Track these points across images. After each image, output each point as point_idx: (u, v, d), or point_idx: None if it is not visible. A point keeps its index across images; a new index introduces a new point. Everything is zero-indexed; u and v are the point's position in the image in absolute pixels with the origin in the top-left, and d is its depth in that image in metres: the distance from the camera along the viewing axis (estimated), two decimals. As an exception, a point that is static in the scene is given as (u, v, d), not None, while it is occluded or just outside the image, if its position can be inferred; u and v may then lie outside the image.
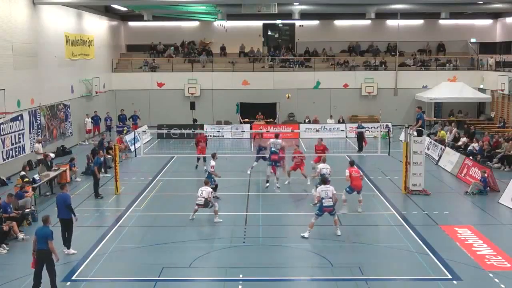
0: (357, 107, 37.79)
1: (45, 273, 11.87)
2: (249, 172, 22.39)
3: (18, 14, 24.36)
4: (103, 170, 22.65)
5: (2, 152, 22.48)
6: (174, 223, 16.69)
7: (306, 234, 15.15)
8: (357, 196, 17.60)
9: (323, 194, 15.08)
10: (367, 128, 30.84)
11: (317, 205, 15.44)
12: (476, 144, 25.69)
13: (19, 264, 12.53)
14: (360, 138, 28.19)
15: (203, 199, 16.52)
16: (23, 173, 20.13)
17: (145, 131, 31.70)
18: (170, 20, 39.67)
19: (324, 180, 15.67)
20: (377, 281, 12.48)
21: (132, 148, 26.83)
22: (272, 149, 19.98)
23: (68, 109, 30.03)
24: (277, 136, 20.19)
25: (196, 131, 26.31)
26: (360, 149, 27.95)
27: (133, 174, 23.65)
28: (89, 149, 26.38)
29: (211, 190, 16.96)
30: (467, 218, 17.48)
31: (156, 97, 38.07)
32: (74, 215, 14.27)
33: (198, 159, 24.18)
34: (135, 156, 25.45)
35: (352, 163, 18.01)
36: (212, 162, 19.41)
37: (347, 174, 17.37)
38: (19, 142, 23.99)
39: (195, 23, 41.34)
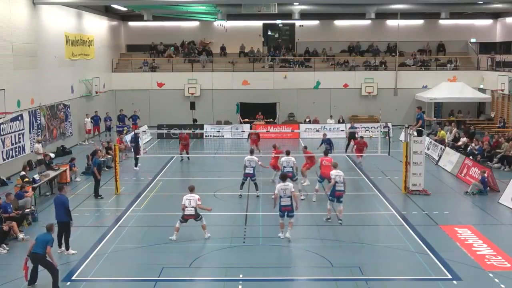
0: (357, 107, 37.80)
1: (45, 273, 11.93)
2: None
3: (18, 14, 24.36)
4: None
5: (2, 152, 22.48)
6: (174, 223, 16.63)
7: (281, 235, 14.96)
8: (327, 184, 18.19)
9: (281, 192, 14.61)
10: (367, 128, 30.86)
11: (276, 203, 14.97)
12: (474, 144, 25.71)
13: (19, 264, 12.50)
14: (351, 138, 27.94)
15: (193, 209, 15.00)
16: (23, 173, 20.12)
17: (145, 131, 31.69)
18: (170, 20, 39.68)
19: (283, 177, 15.06)
20: (377, 281, 12.48)
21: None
22: (285, 168, 18.88)
23: (68, 109, 30.03)
24: (288, 153, 19.40)
25: (182, 131, 26.58)
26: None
27: (133, 174, 23.66)
28: (89, 149, 26.38)
29: (198, 197, 15.23)
30: (467, 218, 17.49)
31: (156, 97, 38.07)
32: (71, 219, 14.28)
33: (182, 158, 25.69)
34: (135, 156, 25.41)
35: (325, 153, 19.46)
36: (255, 158, 19.44)
37: (319, 163, 18.50)
38: (19, 142, 23.99)
39: (195, 23, 41.35)
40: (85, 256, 14.01)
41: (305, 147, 21.90)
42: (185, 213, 15.11)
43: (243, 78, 38.04)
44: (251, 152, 20.04)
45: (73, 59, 31.09)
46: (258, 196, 19.44)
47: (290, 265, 13.62)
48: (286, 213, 14.83)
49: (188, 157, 26.26)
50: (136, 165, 24.58)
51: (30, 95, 25.33)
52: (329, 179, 17.21)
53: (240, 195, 19.54)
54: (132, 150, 25.41)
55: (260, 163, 19.50)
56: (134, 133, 25.27)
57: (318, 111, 36.42)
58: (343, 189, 16.49)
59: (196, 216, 15.17)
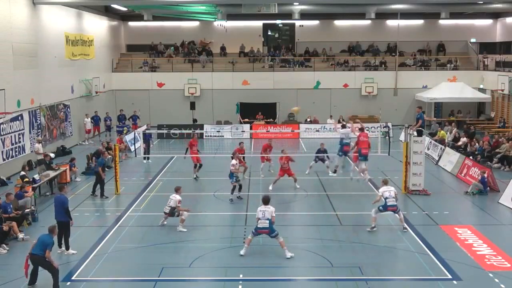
0: (357, 107, 37.80)
1: (45, 273, 11.94)
2: (307, 172, 22.85)
3: (18, 14, 24.36)
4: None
5: (2, 152, 22.48)
6: (174, 223, 16.61)
7: (242, 252, 13.99)
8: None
9: (259, 214, 13.86)
10: (366, 128, 30.70)
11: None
12: (472, 144, 25.79)
13: (19, 264, 12.51)
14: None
15: (169, 208, 15.91)
16: (23, 173, 20.12)
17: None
18: (170, 20, 39.69)
19: (265, 200, 14.09)
20: (377, 281, 12.48)
21: (132, 148, 26.85)
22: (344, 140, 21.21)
23: (68, 109, 30.02)
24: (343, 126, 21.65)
25: (189, 131, 26.17)
26: None
27: (133, 174, 23.65)
28: (89, 149, 26.37)
29: (180, 198, 15.97)
30: (467, 218, 17.50)
31: (156, 97, 38.08)
32: (71, 219, 14.28)
33: (195, 166, 22.56)
34: (135, 156, 25.45)
35: (361, 129, 20.95)
36: (233, 161, 19.21)
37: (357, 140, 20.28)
38: (19, 142, 23.99)
39: (195, 23, 41.35)
40: (85, 256, 14.01)
41: (283, 150, 21.26)
42: (164, 210, 16.16)
43: (243, 78, 38.04)
44: (234, 156, 19.79)
45: (73, 59, 31.09)
46: (239, 197, 19.23)
47: (290, 265, 13.59)
48: (267, 235, 13.98)
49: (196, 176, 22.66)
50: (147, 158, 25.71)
51: (30, 95, 25.33)
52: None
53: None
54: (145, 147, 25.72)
55: (232, 168, 19.04)
56: (97, 150, 24.68)
57: (318, 111, 36.43)
58: (395, 203, 15.79)
59: (171, 215, 16.04)
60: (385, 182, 16.51)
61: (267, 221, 13.81)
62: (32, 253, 11.89)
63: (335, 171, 22.21)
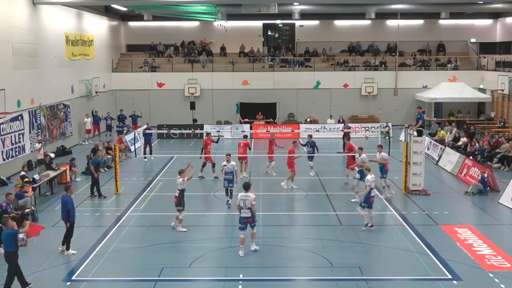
0: (357, 107, 37.80)
1: (45, 273, 11.91)
2: (312, 174, 22.72)
3: (18, 14, 24.36)
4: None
5: (2, 152, 22.48)
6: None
7: (241, 253, 13.88)
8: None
9: (241, 203, 13.65)
10: (366, 128, 30.81)
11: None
12: (471, 145, 25.82)
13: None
14: (346, 138, 27.76)
15: (178, 191, 15.70)
16: (23, 173, 20.11)
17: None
18: (170, 20, 39.69)
19: (245, 187, 13.93)
20: (377, 281, 12.48)
21: (132, 148, 26.84)
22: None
23: (68, 109, 30.02)
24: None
25: (189, 131, 26.15)
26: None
27: (133, 174, 23.66)
28: (89, 149, 26.34)
29: (181, 179, 15.73)
30: (467, 218, 17.50)
31: (156, 97, 38.08)
32: (69, 222, 14.19)
33: (214, 165, 22.53)
34: (135, 156, 25.46)
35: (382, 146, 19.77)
36: (223, 162, 18.93)
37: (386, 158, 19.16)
38: (19, 142, 23.99)
39: (195, 23, 41.36)
40: (85, 256, 14.01)
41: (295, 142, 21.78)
42: (175, 194, 15.86)
43: (243, 78, 38.04)
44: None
45: (73, 59, 31.08)
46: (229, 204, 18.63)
47: (290, 265, 13.60)
48: (248, 224, 13.86)
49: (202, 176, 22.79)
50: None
51: (30, 95, 25.33)
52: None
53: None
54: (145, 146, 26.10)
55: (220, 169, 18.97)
56: (95, 146, 24.58)
57: (318, 111, 36.43)
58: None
59: (177, 202, 15.68)
60: (369, 170, 16.34)
61: (249, 210, 13.73)
62: (5, 251, 11.89)
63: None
